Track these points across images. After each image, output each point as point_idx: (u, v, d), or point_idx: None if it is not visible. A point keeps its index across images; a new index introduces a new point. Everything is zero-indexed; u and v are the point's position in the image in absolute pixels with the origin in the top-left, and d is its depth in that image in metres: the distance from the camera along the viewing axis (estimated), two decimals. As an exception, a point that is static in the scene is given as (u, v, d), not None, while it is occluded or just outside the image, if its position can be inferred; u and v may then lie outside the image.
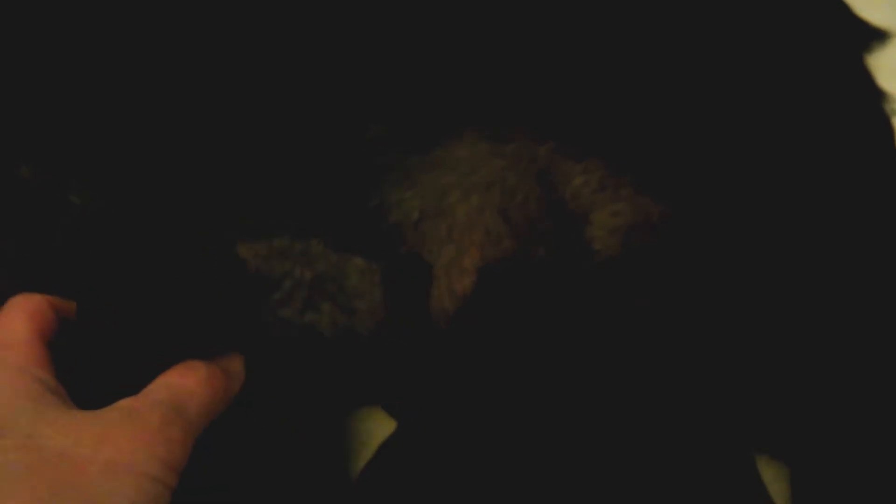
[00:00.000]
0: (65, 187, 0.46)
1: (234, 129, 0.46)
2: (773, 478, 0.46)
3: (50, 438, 0.34)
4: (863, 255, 0.46)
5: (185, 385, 0.39)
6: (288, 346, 0.46)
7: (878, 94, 0.51)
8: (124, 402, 0.37)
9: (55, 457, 0.34)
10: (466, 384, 0.48)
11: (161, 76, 0.46)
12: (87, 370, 0.40)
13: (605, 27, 0.49)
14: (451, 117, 0.49)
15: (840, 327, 0.45)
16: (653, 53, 0.48)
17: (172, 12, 0.46)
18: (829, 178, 0.47)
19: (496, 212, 0.48)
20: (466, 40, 0.50)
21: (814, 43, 0.51)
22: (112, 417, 0.36)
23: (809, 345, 0.45)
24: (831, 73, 0.51)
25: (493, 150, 0.49)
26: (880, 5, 0.54)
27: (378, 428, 0.48)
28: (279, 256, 0.45)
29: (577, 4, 0.49)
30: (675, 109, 0.47)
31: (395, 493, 0.44)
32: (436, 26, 0.49)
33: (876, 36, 0.52)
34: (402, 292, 0.48)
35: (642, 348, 0.46)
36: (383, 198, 0.47)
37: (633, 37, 0.49)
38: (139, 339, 0.41)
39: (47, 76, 0.46)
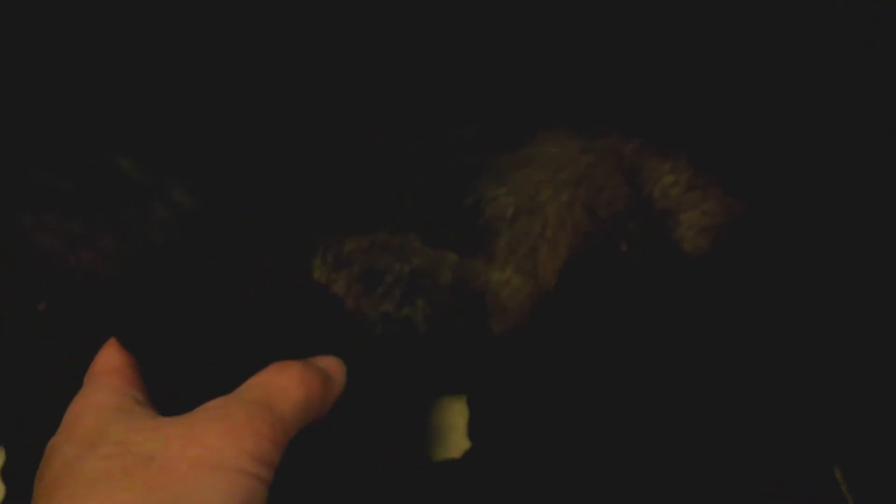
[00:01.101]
0: (167, 183, 0.47)
1: (336, 130, 0.46)
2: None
3: (139, 444, 0.35)
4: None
5: (275, 382, 0.39)
6: (386, 341, 0.47)
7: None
8: (212, 403, 0.38)
9: (145, 459, 0.35)
10: (548, 376, 0.49)
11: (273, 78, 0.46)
12: (179, 384, 0.41)
13: (694, 27, 0.50)
14: (540, 114, 0.49)
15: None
16: (740, 57, 0.49)
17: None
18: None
19: (584, 208, 0.49)
20: (552, 38, 0.50)
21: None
22: (199, 417, 0.37)
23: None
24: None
25: (581, 147, 0.49)
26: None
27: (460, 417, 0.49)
28: (380, 250, 0.46)
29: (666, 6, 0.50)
30: (762, 108, 0.48)
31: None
32: (521, 24, 0.50)
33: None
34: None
35: (731, 345, 0.47)
36: (478, 195, 0.48)
37: (723, 39, 0.49)
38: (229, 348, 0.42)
39: (165, 67, 0.46)
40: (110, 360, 0.42)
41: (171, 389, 0.42)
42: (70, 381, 0.43)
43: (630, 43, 0.50)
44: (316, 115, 0.47)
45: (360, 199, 0.46)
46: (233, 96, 0.46)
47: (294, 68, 0.47)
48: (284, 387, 0.39)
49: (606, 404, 0.48)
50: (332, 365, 0.42)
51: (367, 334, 0.46)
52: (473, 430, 0.51)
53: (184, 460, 0.35)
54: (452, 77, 0.48)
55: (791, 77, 0.49)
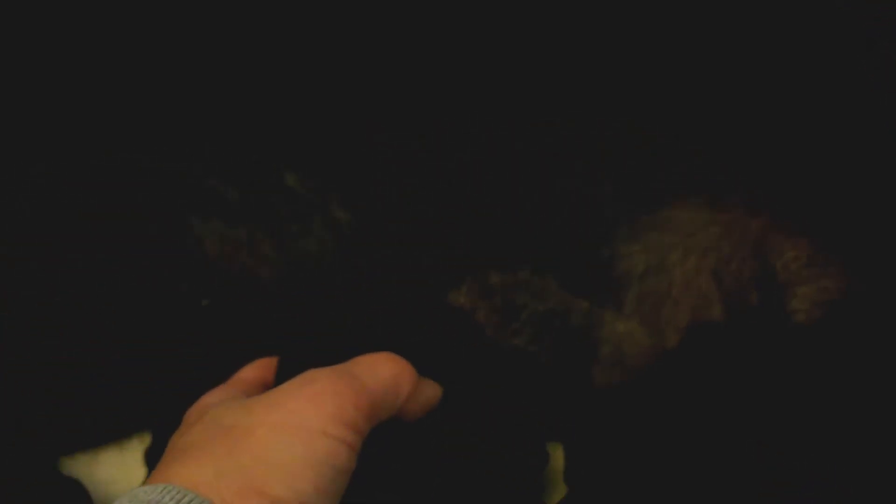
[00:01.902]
0: (327, 198, 0.50)
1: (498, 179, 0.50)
2: None
3: (225, 418, 0.37)
4: None
5: (365, 358, 0.40)
6: (510, 372, 0.49)
7: None
8: (302, 374, 0.39)
9: (228, 427, 0.36)
10: (650, 431, 0.50)
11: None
12: None
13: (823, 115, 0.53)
14: (677, 181, 0.53)
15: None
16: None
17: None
18: None
19: (710, 275, 0.51)
20: (693, 111, 0.54)
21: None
22: (286, 388, 0.38)
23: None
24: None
25: (710, 218, 0.52)
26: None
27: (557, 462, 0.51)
28: (522, 288, 0.49)
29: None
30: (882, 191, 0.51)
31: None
32: (668, 96, 0.54)
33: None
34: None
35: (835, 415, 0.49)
36: (613, 249, 0.50)
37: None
38: None
39: (336, 90, 0.50)
40: (247, 372, 0.46)
41: None
42: (209, 371, 0.47)
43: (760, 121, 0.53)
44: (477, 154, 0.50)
45: (509, 238, 0.49)
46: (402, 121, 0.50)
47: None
48: (372, 361, 0.40)
49: (699, 464, 0.49)
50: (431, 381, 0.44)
51: (495, 363, 0.49)
52: (571, 477, 0.52)
53: (262, 425, 0.35)
54: (604, 139, 0.52)
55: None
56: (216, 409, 0.39)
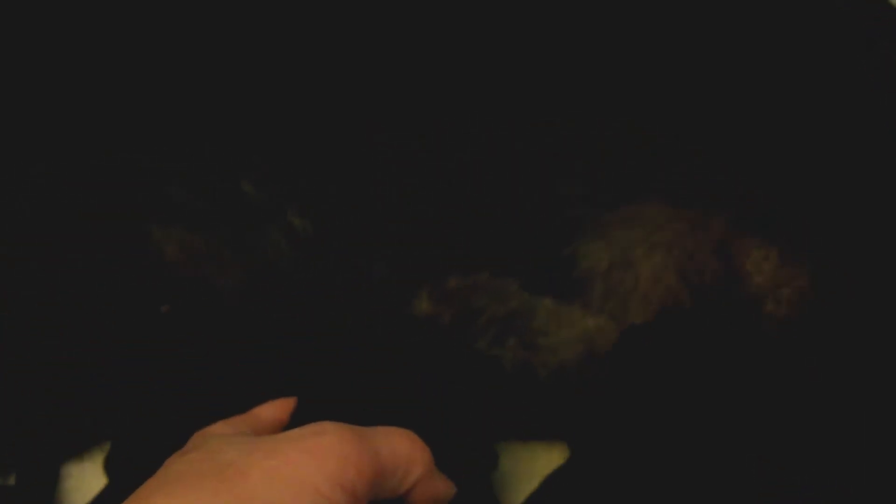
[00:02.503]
0: (284, 207, 0.50)
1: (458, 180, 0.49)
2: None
3: (223, 453, 0.35)
4: None
5: (386, 429, 0.38)
6: (472, 377, 0.49)
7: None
8: (313, 424, 0.37)
9: (223, 464, 0.35)
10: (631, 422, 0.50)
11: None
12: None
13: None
14: (639, 179, 0.52)
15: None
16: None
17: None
18: None
19: (677, 271, 0.51)
20: (657, 110, 0.53)
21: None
22: (291, 435, 0.36)
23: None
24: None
25: (674, 215, 0.52)
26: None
27: (537, 462, 0.50)
28: (480, 291, 0.48)
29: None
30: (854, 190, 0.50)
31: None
32: (636, 102, 0.53)
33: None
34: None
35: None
36: (576, 247, 0.50)
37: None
38: None
39: (292, 94, 0.50)
40: (264, 409, 0.44)
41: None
42: (171, 381, 0.46)
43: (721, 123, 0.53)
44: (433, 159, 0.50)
45: (466, 241, 0.49)
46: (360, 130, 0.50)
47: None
48: (390, 433, 0.37)
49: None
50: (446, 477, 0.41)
51: (458, 367, 0.48)
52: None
53: (259, 468, 0.34)
54: (568, 141, 0.51)
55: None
56: (219, 441, 0.37)
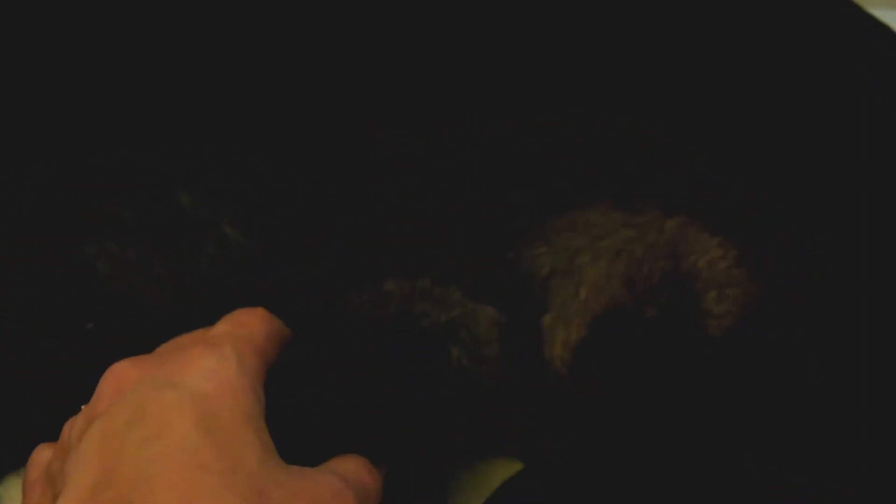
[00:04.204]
0: (219, 218, 0.49)
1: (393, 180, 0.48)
2: None
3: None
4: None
5: (341, 460, 0.39)
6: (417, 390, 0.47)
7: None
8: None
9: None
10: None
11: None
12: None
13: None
14: (587, 184, 0.51)
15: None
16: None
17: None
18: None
19: (622, 279, 0.50)
20: (607, 109, 0.52)
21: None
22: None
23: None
24: None
25: (623, 221, 0.51)
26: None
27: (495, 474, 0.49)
28: (420, 297, 0.47)
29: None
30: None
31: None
32: (577, 101, 0.52)
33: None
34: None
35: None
36: (518, 252, 0.49)
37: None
38: None
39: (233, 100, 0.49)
40: (257, 332, 0.41)
41: None
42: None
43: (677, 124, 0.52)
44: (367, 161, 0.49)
45: (406, 247, 0.48)
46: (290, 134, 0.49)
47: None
48: (348, 463, 0.38)
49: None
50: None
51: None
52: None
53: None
54: (511, 144, 0.51)
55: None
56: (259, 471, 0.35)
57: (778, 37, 0.54)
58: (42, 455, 0.39)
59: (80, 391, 0.45)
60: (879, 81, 0.53)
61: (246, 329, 0.39)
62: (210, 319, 0.47)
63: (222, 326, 0.39)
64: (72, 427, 0.38)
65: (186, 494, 0.31)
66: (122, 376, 0.37)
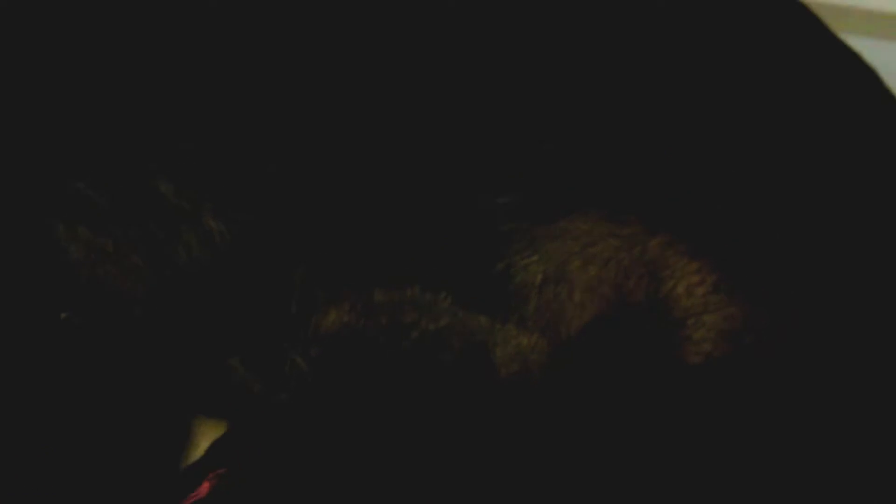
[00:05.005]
0: (201, 209, 0.47)
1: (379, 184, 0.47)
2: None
3: None
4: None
5: None
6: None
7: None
8: None
9: None
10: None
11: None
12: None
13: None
14: (577, 194, 0.50)
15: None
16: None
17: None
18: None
19: (612, 286, 0.49)
20: (599, 125, 0.52)
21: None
22: None
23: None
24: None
25: (609, 231, 0.50)
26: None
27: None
28: (410, 306, 0.46)
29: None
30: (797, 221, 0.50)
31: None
32: (572, 111, 0.52)
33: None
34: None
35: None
36: (509, 261, 0.48)
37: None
38: None
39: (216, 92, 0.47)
40: None
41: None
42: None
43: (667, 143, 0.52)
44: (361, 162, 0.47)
45: (395, 256, 0.47)
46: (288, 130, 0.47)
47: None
48: None
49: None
50: None
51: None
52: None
53: None
54: (496, 146, 0.49)
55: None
56: None
57: (756, 63, 0.53)
58: None
59: (55, 383, 0.44)
60: (852, 109, 0.54)
61: None
62: (188, 314, 0.46)
63: None
64: None
65: None
66: None
